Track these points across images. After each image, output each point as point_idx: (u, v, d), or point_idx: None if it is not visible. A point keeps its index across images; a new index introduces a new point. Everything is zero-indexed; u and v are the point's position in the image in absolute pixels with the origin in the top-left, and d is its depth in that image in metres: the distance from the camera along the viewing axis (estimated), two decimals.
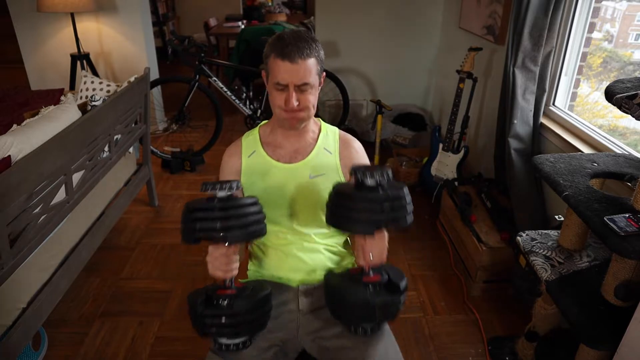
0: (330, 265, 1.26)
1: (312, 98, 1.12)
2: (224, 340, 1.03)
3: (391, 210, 0.95)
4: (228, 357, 1.07)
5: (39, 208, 1.52)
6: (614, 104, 1.20)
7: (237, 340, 1.03)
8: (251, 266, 1.32)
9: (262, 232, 1.05)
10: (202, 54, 3.14)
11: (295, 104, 1.09)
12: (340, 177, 1.23)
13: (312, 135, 1.24)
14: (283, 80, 1.07)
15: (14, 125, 1.77)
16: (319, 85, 1.15)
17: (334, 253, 1.27)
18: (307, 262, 1.23)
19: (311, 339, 1.16)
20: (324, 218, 1.08)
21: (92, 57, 3.46)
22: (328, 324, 1.14)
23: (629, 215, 1.15)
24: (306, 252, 1.23)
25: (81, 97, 2.36)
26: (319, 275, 1.22)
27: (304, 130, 1.22)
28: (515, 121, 2.06)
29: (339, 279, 1.06)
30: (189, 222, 0.98)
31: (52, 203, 1.60)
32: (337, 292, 1.04)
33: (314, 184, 1.21)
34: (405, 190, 0.99)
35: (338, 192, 1.01)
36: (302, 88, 1.09)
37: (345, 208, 0.98)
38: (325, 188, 1.14)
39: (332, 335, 1.13)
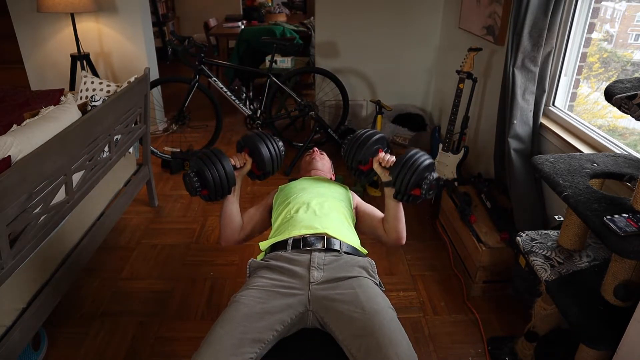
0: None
1: None
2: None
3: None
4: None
5: (39, 208, 1.52)
6: (613, 104, 1.20)
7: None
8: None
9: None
10: (202, 55, 3.14)
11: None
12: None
13: None
14: None
15: (14, 126, 1.77)
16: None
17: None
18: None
19: (320, 305, 1.25)
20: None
21: (92, 57, 3.46)
22: (337, 290, 1.26)
23: (628, 216, 1.15)
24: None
25: (81, 98, 2.36)
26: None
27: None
28: (515, 121, 2.07)
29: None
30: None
31: (52, 203, 1.60)
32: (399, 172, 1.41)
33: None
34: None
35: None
36: None
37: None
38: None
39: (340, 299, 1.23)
